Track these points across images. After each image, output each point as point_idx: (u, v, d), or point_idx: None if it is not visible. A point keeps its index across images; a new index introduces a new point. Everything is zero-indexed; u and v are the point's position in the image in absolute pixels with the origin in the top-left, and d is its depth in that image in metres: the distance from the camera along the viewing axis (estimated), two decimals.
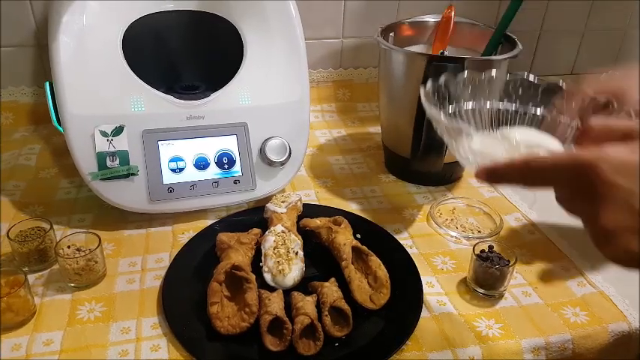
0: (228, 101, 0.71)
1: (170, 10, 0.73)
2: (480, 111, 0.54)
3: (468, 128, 0.45)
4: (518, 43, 0.74)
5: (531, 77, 0.53)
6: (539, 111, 0.53)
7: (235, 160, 0.71)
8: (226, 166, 0.71)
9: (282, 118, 0.73)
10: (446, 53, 0.81)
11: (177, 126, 0.69)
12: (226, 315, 0.54)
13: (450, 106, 0.52)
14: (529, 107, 0.53)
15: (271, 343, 0.52)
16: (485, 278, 0.59)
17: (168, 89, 0.71)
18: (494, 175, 0.39)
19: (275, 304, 0.54)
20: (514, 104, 0.54)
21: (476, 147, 0.44)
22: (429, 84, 0.50)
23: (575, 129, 0.50)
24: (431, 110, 0.46)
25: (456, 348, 0.54)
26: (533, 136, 0.48)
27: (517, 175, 0.38)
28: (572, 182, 0.36)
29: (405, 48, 0.78)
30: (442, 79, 0.51)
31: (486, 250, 0.61)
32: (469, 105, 0.54)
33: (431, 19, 0.84)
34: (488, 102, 0.54)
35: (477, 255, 0.60)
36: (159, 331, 0.55)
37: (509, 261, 0.60)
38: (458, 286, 0.62)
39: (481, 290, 0.60)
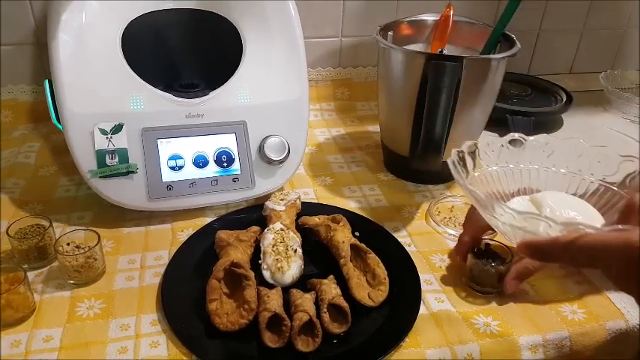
0: (227, 99, 0.72)
1: (169, 8, 0.73)
2: (506, 173, 0.55)
3: (502, 204, 0.45)
4: (517, 42, 0.75)
5: (554, 140, 0.54)
6: (562, 170, 0.54)
7: (234, 159, 0.71)
8: (225, 164, 0.71)
9: (281, 116, 0.74)
10: (445, 52, 0.82)
11: (176, 124, 0.69)
12: (225, 312, 0.54)
13: (476, 173, 0.53)
14: (552, 165, 0.54)
15: (270, 340, 0.52)
16: (483, 276, 0.59)
17: (168, 87, 0.71)
18: (538, 251, 0.39)
19: (274, 301, 0.55)
20: (537, 165, 0.55)
21: (516, 223, 0.43)
22: (454, 153, 0.50)
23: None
24: (465, 184, 0.47)
25: (454, 345, 0.54)
26: (564, 200, 0.48)
27: (562, 253, 0.37)
28: (623, 263, 0.35)
29: (404, 47, 0.79)
30: (465, 145, 0.52)
31: (483, 249, 0.62)
32: (494, 168, 0.54)
33: (430, 17, 0.84)
34: (511, 165, 0.55)
35: (475, 253, 0.60)
36: (158, 328, 0.55)
37: (505, 258, 0.60)
38: (456, 283, 0.62)
39: (479, 288, 0.60)
